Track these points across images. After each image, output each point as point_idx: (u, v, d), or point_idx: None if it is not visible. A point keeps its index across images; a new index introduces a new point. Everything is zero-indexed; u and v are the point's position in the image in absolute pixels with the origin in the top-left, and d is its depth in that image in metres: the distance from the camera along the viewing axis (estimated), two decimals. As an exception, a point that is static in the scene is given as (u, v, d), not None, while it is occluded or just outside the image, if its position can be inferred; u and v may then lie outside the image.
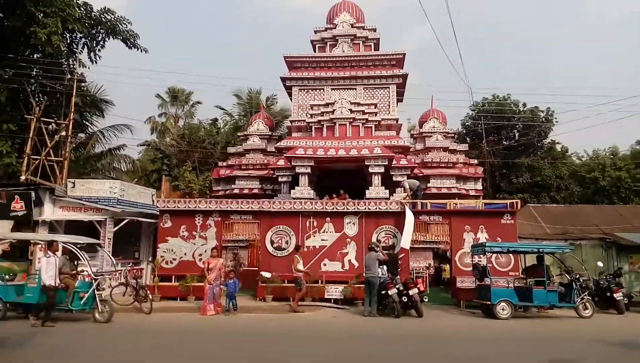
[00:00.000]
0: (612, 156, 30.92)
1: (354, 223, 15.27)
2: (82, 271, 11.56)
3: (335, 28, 25.23)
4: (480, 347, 8.91)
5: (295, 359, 7.74)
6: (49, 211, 15.38)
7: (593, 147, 33.83)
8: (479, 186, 24.74)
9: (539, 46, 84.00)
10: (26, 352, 8.11)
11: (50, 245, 11.09)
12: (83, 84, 22.04)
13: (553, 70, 77.26)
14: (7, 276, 11.68)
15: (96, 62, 22.81)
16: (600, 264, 14.82)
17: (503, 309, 11.87)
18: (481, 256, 13.95)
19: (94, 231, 15.16)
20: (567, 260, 14.35)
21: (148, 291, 12.60)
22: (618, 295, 13.11)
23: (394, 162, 21.30)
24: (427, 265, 20.19)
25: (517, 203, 15.10)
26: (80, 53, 22.12)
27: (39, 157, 18.95)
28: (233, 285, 12.82)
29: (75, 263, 11.61)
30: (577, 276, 12.60)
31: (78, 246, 11.12)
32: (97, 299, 10.78)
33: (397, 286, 12.09)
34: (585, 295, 12.24)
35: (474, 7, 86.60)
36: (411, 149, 24.26)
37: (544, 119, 30.70)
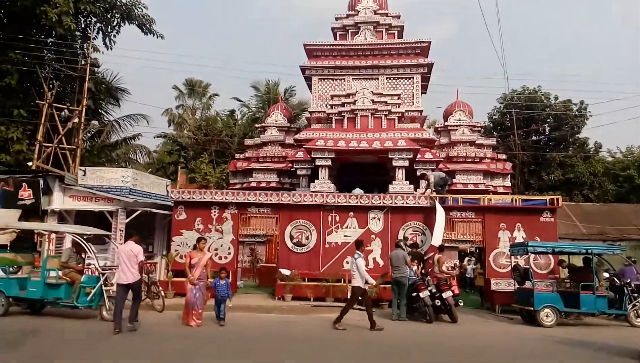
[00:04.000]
0: (648, 153, 29.37)
1: (379, 219, 14.26)
2: (89, 264, 10.76)
3: (357, 15, 24.11)
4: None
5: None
6: (59, 201, 14.64)
7: (627, 143, 32.25)
8: (508, 182, 23.56)
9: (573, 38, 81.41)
10: (26, 351, 7.35)
11: (359, 246, 10.61)
12: (97, 69, 21.34)
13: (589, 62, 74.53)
14: (10, 269, 10.93)
15: (111, 48, 22.15)
16: (647, 267, 13.56)
17: (547, 316, 10.72)
18: (518, 257, 12.85)
19: (105, 222, 14.40)
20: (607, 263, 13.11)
21: (160, 288, 11.77)
22: (671, 302, 11.84)
23: (419, 156, 20.23)
24: (453, 265, 19.14)
25: (557, 199, 13.85)
26: (95, 38, 21.42)
27: (51, 144, 18.27)
28: (224, 287, 10.20)
29: (83, 256, 10.82)
30: (629, 280, 11.39)
31: (85, 237, 10.31)
32: (105, 295, 9.99)
33: (429, 288, 11.04)
34: (638, 302, 11.04)
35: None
36: (436, 143, 23.11)
37: (576, 113, 29.19)
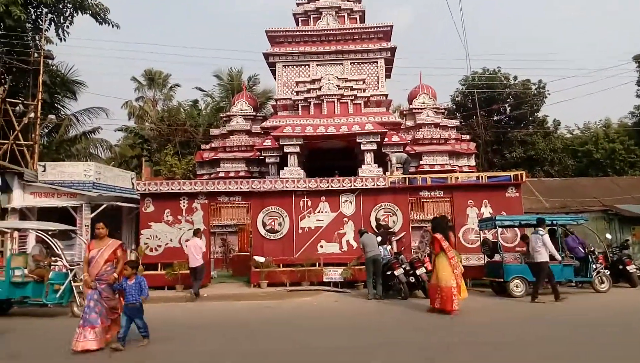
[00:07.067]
0: (605, 128, 30.55)
1: (350, 202, 14.35)
2: (56, 261, 10.41)
3: (318, 0, 23.98)
4: (515, 329, 8.07)
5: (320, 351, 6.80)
6: (19, 198, 14.08)
7: (584, 120, 33.46)
8: (472, 162, 24.02)
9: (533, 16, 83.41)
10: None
11: (541, 223, 11.04)
12: (51, 62, 20.46)
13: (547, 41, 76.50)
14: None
15: (64, 40, 21.22)
16: (609, 236, 14.26)
17: (517, 286, 11.10)
18: (486, 231, 13.22)
19: (70, 218, 13.94)
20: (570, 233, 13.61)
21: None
22: (631, 268, 12.50)
23: (386, 139, 20.39)
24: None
25: (522, 174, 14.31)
26: (47, 30, 20.49)
27: (7, 141, 17.48)
28: (135, 289, 7.03)
29: (49, 252, 10.45)
30: (593, 249, 11.90)
31: (50, 233, 9.94)
32: (75, 291, 9.69)
33: (403, 266, 11.21)
34: (602, 269, 11.56)
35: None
36: (402, 126, 23.34)
37: (535, 91, 30.06)
